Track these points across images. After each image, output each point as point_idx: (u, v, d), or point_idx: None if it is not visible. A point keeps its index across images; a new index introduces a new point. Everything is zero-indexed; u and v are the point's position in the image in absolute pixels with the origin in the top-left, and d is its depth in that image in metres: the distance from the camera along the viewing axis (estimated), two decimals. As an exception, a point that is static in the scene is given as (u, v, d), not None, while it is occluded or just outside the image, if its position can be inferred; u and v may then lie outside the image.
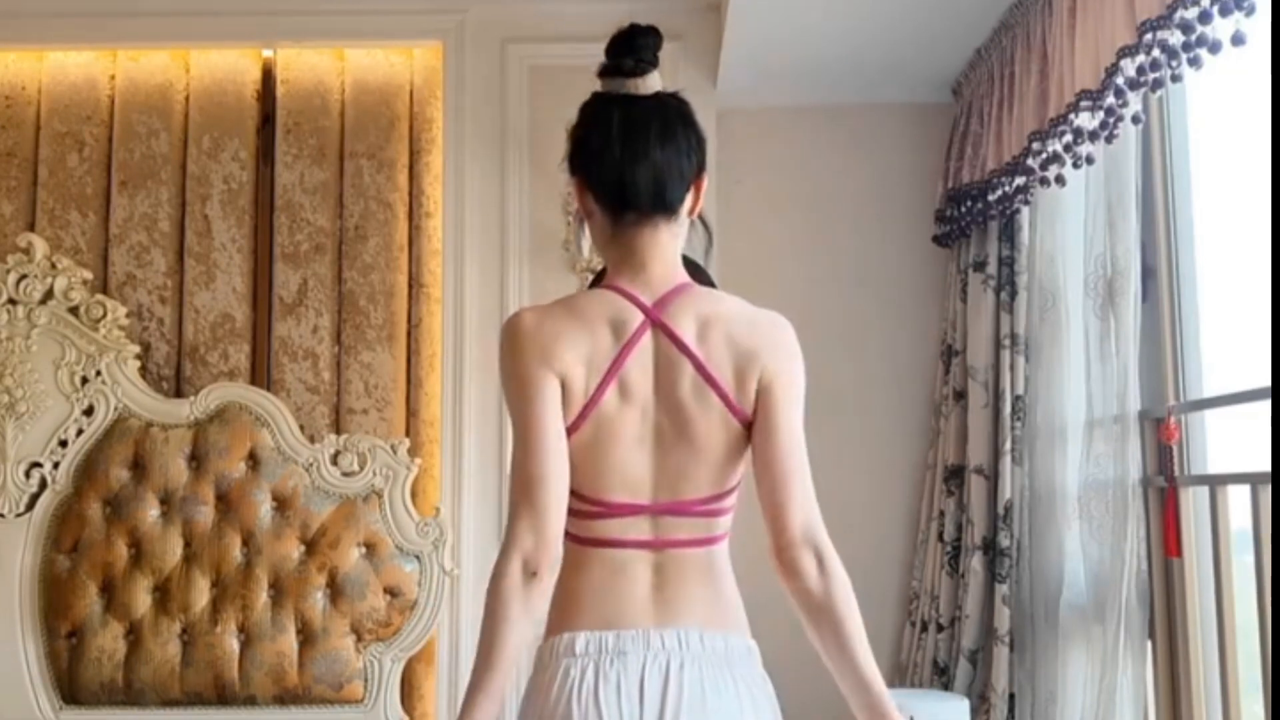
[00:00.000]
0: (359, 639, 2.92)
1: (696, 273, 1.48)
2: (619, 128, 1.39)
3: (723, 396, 1.36)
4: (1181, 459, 2.44)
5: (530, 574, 1.30)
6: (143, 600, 2.90)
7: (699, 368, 1.35)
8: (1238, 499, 2.24)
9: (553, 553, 1.31)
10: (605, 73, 1.42)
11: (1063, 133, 2.34)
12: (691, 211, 1.45)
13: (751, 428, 1.38)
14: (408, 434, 3.14)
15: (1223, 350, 2.42)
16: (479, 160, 3.24)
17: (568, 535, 1.39)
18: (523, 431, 1.34)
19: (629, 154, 1.38)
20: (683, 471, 1.36)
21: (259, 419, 3.00)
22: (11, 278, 3.03)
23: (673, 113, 1.42)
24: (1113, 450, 2.48)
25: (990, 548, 2.78)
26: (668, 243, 1.42)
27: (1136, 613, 2.42)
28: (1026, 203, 2.69)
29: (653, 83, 1.41)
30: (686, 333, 1.36)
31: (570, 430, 1.35)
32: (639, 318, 1.37)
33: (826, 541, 1.37)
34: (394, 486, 2.99)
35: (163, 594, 2.91)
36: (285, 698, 2.89)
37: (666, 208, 1.41)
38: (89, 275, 3.10)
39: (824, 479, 3.48)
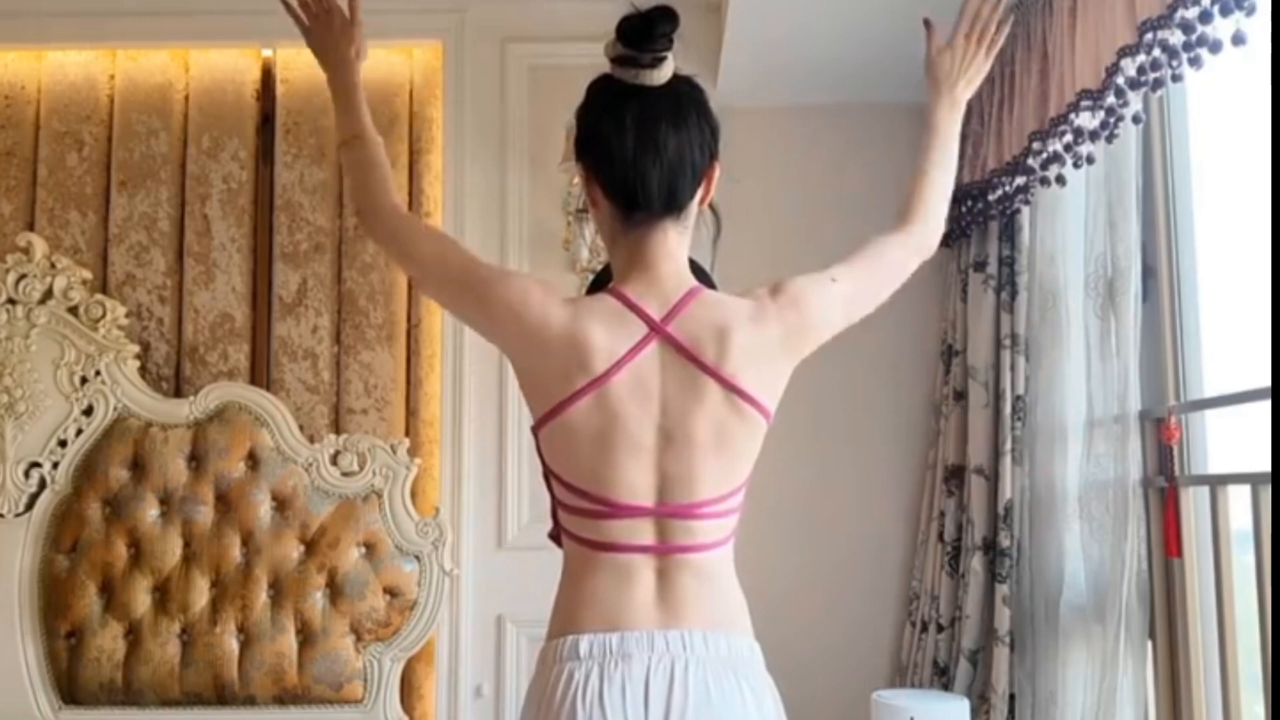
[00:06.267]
0: (359, 639, 2.92)
1: (696, 273, 1.48)
2: (632, 123, 1.36)
3: (748, 398, 1.35)
4: (1182, 459, 2.44)
5: (357, 210, 1.57)
6: (142, 600, 2.90)
7: (717, 377, 1.34)
8: (1238, 499, 2.24)
9: (368, 229, 1.58)
10: (620, 62, 1.37)
11: (1063, 132, 2.34)
12: (702, 202, 1.44)
13: (770, 413, 1.40)
14: (407, 434, 3.14)
15: (1223, 350, 2.42)
16: (479, 160, 3.24)
17: (573, 537, 1.38)
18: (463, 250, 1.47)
19: (641, 152, 1.36)
20: (687, 476, 1.34)
21: (258, 419, 3.00)
22: (11, 277, 3.03)
23: (687, 101, 1.39)
24: (1113, 450, 2.48)
25: (990, 548, 2.78)
26: (676, 243, 1.41)
27: (1137, 613, 2.42)
28: (1027, 203, 2.69)
29: (667, 70, 1.37)
30: (702, 347, 1.34)
31: (544, 420, 1.35)
32: (643, 331, 1.35)
33: (905, 231, 1.59)
34: (393, 486, 2.99)
35: (162, 594, 2.91)
36: (285, 698, 2.89)
37: (677, 207, 1.40)
38: (88, 275, 3.10)
39: (825, 479, 3.48)
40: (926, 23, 1.65)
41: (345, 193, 3.21)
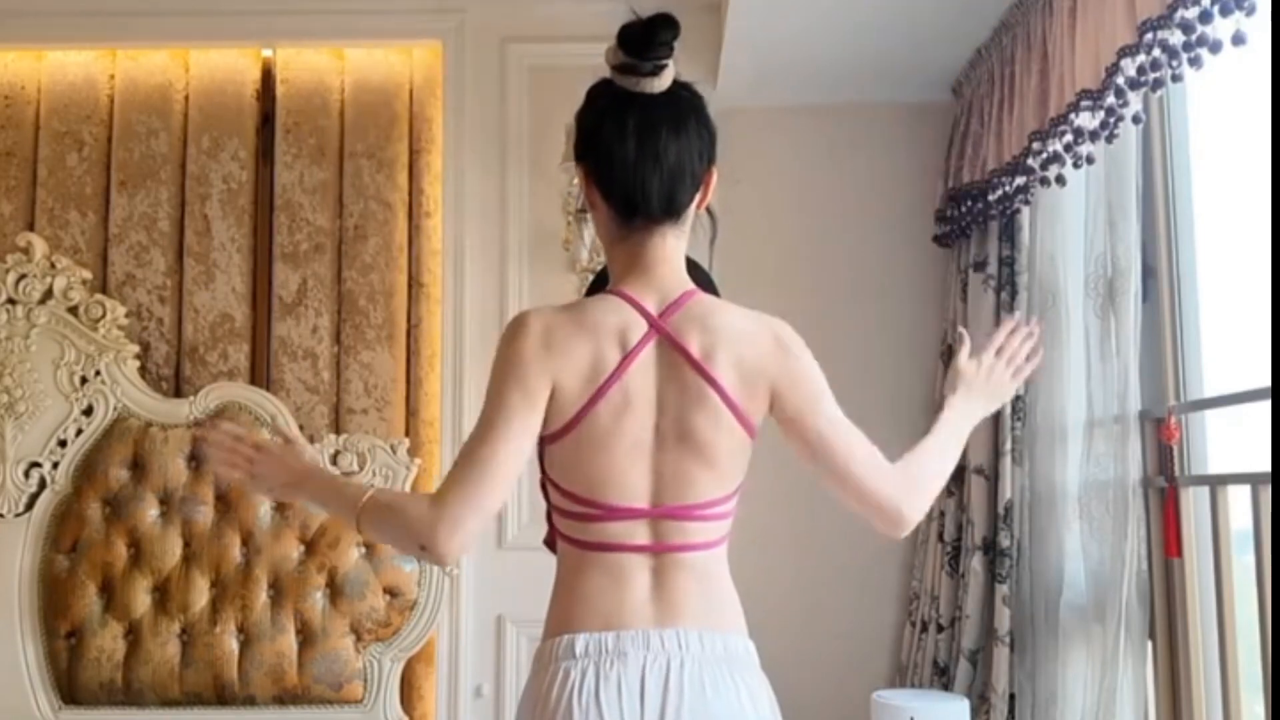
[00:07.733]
0: (358, 639, 2.92)
1: (695, 272, 1.49)
2: (633, 130, 1.37)
3: (731, 406, 1.36)
4: (1182, 459, 2.44)
5: (420, 547, 1.29)
6: (142, 600, 2.90)
7: (707, 378, 1.35)
8: (1238, 499, 2.24)
9: (457, 542, 1.28)
10: (621, 69, 1.38)
11: (1063, 132, 2.34)
12: (699, 206, 1.45)
13: (754, 430, 1.39)
14: (407, 434, 3.14)
15: (1223, 350, 2.42)
16: (479, 160, 3.24)
17: (568, 539, 1.39)
18: (492, 416, 1.32)
19: (642, 159, 1.37)
20: (683, 477, 1.35)
21: (258, 419, 3.00)
22: (11, 277, 3.03)
23: (686, 108, 1.40)
24: (1113, 450, 2.48)
25: (990, 548, 2.78)
26: (674, 247, 1.43)
27: (1136, 613, 2.42)
28: (1027, 203, 2.69)
29: (668, 78, 1.38)
30: (693, 344, 1.36)
31: (560, 434, 1.35)
32: (644, 327, 1.37)
33: (896, 477, 1.48)
34: (394, 486, 2.99)
35: (162, 594, 2.90)
36: (285, 698, 2.89)
37: (676, 213, 1.41)
38: (88, 275, 3.10)
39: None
40: (960, 334, 1.65)
41: (344, 198, 3.21)
